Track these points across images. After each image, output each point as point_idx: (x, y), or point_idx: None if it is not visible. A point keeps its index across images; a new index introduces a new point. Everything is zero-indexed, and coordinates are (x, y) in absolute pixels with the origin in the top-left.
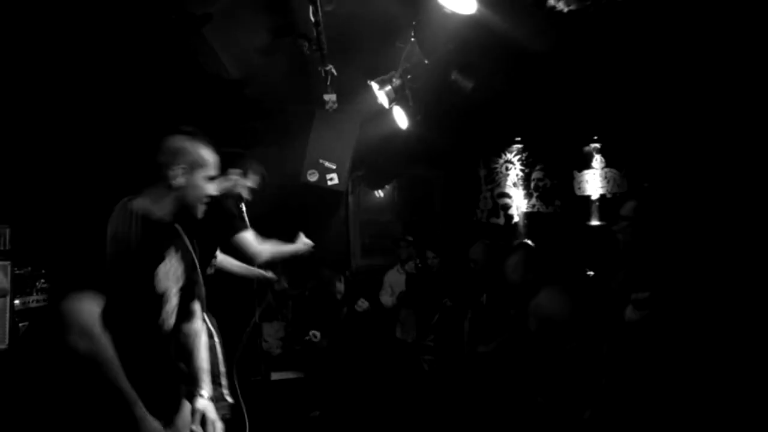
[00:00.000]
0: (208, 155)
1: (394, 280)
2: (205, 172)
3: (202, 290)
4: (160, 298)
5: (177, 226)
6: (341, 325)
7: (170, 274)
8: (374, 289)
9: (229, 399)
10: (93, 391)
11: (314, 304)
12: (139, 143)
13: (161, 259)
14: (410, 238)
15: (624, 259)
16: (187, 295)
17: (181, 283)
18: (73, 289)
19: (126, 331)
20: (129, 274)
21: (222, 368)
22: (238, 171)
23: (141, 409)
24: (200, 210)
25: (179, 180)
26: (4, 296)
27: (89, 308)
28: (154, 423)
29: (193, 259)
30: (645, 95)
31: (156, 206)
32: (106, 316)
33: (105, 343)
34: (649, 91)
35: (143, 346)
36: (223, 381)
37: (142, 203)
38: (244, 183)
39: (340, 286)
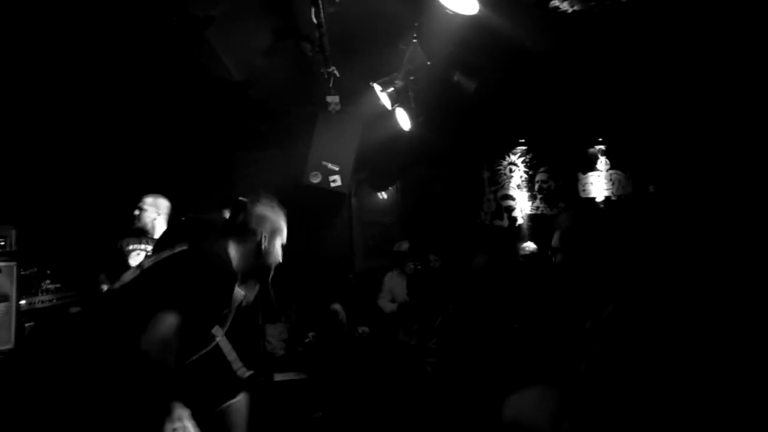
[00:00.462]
0: (283, 223)
1: (394, 283)
2: (282, 239)
3: None
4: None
5: None
6: (345, 345)
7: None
8: (377, 293)
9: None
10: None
11: (316, 308)
12: (143, 146)
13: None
14: (406, 246)
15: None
16: None
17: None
18: (163, 308)
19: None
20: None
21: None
22: None
23: (179, 418)
24: (272, 269)
25: (265, 245)
26: (4, 301)
27: (172, 322)
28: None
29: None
30: (650, 96)
31: (241, 261)
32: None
33: (172, 359)
34: (654, 93)
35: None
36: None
37: (234, 255)
38: None
39: (343, 316)
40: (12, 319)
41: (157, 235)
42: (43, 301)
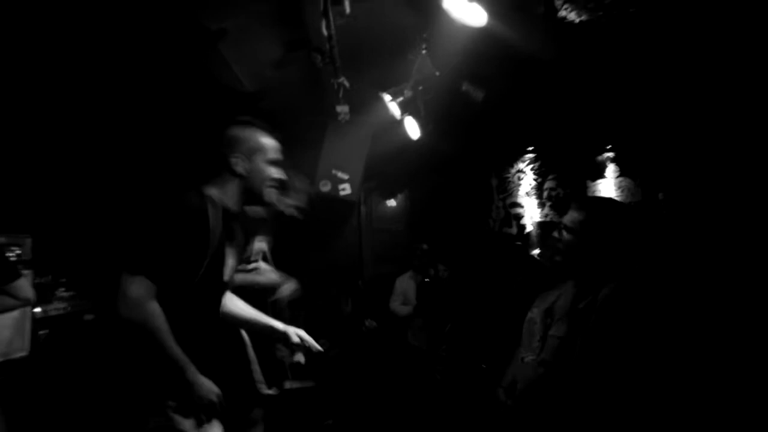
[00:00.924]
0: (264, 140)
1: (407, 286)
2: (265, 156)
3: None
4: (224, 285)
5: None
6: (352, 337)
7: (229, 263)
8: (386, 299)
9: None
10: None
11: (325, 315)
12: (156, 156)
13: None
14: (426, 246)
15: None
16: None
17: (232, 274)
18: (128, 271)
19: (190, 312)
20: (204, 260)
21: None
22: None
23: (193, 373)
24: (268, 194)
25: (239, 167)
26: (29, 305)
27: (140, 284)
28: (207, 383)
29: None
30: (659, 104)
31: (225, 196)
32: (172, 297)
33: (154, 313)
34: (663, 100)
35: (204, 328)
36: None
37: (215, 193)
38: (289, 202)
39: (346, 308)
40: (27, 326)
41: None
42: (57, 309)
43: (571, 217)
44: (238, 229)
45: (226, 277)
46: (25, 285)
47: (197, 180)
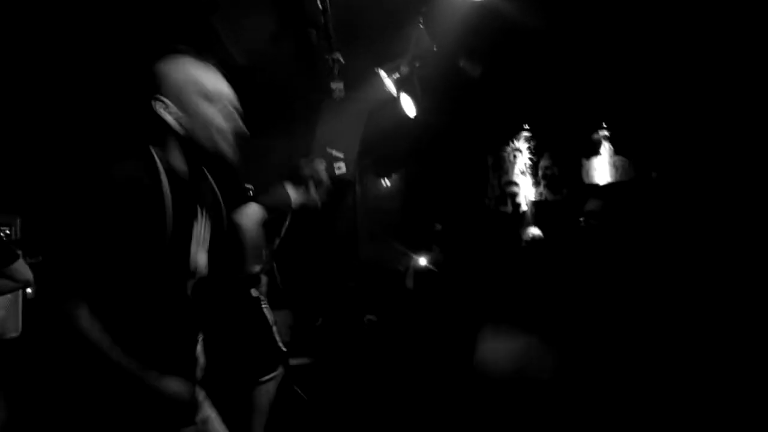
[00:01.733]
0: (200, 73)
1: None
2: (202, 95)
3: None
4: (188, 269)
5: (208, 176)
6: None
7: (199, 236)
8: (381, 280)
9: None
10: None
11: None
12: (147, 133)
13: (193, 218)
14: (440, 226)
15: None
16: (217, 262)
17: (206, 247)
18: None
19: (147, 302)
20: (160, 243)
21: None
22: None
23: (152, 377)
24: (224, 149)
25: (166, 115)
26: (28, 287)
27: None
28: (171, 384)
29: (222, 216)
30: (655, 82)
31: (171, 156)
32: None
33: (88, 328)
34: (658, 78)
35: (167, 318)
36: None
37: (160, 154)
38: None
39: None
40: (19, 307)
41: None
42: None
43: (596, 204)
44: (210, 194)
45: (202, 252)
46: (22, 267)
47: (141, 141)
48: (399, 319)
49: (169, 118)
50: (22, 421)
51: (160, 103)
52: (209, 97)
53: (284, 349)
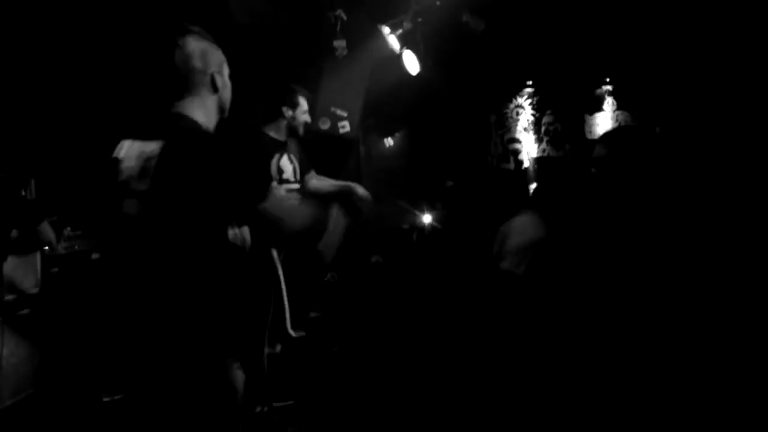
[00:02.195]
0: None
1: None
2: (227, 70)
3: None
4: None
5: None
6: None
7: None
8: (386, 240)
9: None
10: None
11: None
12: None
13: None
14: (451, 183)
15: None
16: None
17: None
18: None
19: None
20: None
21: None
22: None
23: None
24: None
25: (220, 82)
26: (51, 246)
27: None
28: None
29: None
30: (657, 36)
31: (206, 116)
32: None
33: None
34: (661, 32)
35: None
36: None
37: (198, 113)
38: (299, 120)
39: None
40: (37, 264)
41: None
42: (65, 248)
43: (602, 150)
44: None
45: None
46: (46, 228)
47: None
48: (405, 263)
49: (218, 86)
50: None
51: (214, 73)
52: (226, 64)
53: (295, 335)
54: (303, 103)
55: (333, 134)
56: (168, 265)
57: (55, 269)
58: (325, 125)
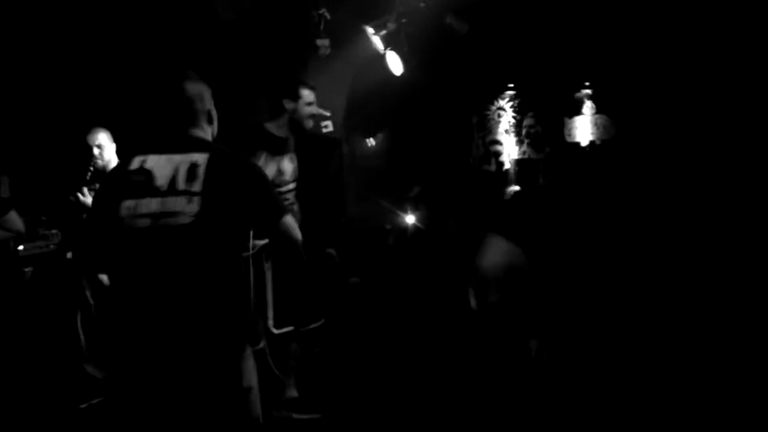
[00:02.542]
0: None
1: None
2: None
3: None
4: None
5: None
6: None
7: None
8: (368, 240)
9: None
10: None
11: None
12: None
13: None
14: (418, 188)
15: None
16: None
17: None
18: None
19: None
20: None
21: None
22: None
23: None
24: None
25: (213, 115)
26: (20, 236)
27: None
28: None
29: None
30: (637, 39)
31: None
32: None
33: None
34: (641, 35)
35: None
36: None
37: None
38: (302, 113)
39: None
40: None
41: None
42: (40, 247)
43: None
44: None
45: None
46: (15, 218)
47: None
48: (384, 279)
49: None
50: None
51: (211, 110)
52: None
53: (276, 331)
54: (306, 95)
55: (315, 133)
56: (211, 254)
57: (29, 269)
58: (308, 124)
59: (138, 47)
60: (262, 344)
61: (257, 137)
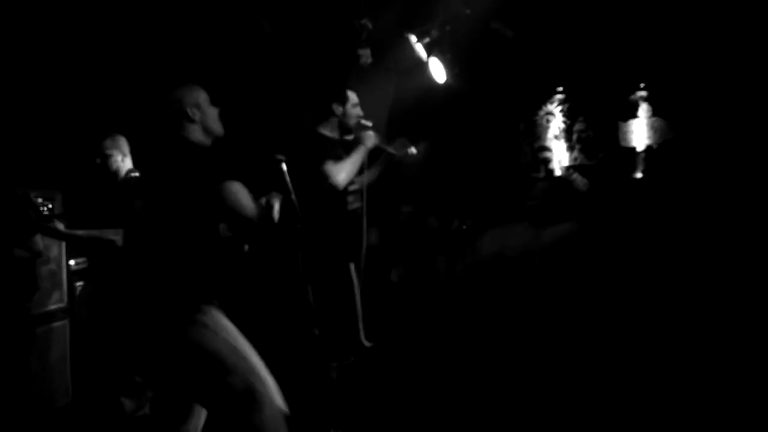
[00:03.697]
0: (201, 92)
1: None
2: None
3: None
4: None
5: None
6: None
7: None
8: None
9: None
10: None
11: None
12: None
13: None
14: (408, 209)
15: None
16: None
17: None
18: None
19: None
20: None
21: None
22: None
23: None
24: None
25: (197, 116)
26: (39, 257)
27: None
28: None
29: None
30: (694, 39)
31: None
32: None
33: None
34: (699, 35)
35: None
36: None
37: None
38: (350, 114)
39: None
40: (63, 279)
41: None
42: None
43: None
44: None
45: None
46: (39, 240)
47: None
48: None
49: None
50: None
51: (189, 110)
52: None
53: (368, 344)
54: (352, 97)
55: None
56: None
57: (80, 283)
58: (349, 135)
59: (181, 63)
60: (352, 358)
61: (318, 144)
